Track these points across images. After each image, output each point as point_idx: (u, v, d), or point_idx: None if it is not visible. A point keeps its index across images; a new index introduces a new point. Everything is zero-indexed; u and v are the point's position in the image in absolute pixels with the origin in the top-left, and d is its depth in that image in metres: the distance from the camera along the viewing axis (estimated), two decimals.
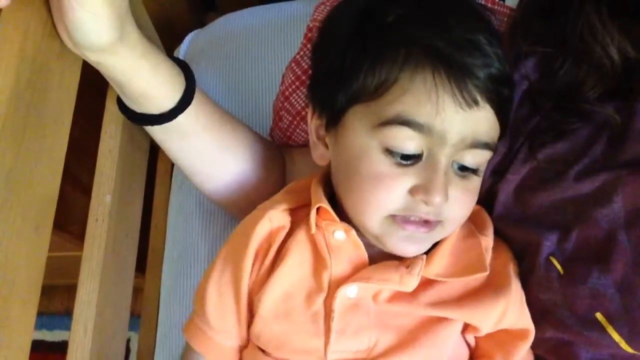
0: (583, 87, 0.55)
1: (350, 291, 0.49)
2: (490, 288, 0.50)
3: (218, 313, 0.53)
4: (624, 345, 0.46)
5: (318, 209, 0.51)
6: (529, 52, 0.59)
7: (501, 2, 0.63)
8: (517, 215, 0.55)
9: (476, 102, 0.44)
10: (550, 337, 0.51)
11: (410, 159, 0.45)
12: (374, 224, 0.47)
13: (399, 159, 0.45)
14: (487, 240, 0.53)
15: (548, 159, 0.54)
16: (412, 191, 0.45)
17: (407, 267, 0.48)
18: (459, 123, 0.44)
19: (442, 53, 0.43)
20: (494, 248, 0.54)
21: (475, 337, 0.53)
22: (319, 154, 0.53)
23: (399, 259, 0.50)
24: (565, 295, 0.49)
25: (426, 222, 0.47)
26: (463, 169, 0.47)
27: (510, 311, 0.50)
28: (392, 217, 0.47)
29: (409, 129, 0.44)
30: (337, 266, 0.50)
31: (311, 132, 0.53)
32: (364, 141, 0.46)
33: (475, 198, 0.50)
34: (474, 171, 0.48)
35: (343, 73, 0.46)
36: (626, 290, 0.47)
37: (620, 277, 0.48)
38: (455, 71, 0.43)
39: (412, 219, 0.46)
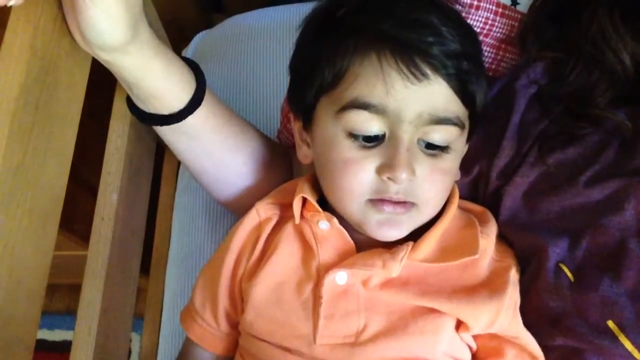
0: (594, 92, 0.55)
1: (339, 278, 0.50)
2: (486, 289, 0.50)
3: (201, 299, 0.57)
4: (637, 354, 0.46)
5: (304, 202, 0.54)
6: (539, 57, 0.59)
7: (512, 7, 0.63)
8: (524, 220, 0.55)
9: (425, 75, 0.45)
10: (560, 345, 0.51)
11: (372, 141, 0.47)
12: (353, 210, 0.49)
13: (362, 142, 0.47)
14: (488, 241, 0.53)
15: (558, 164, 0.54)
16: (378, 171, 0.47)
17: (392, 253, 0.49)
18: (412, 98, 0.46)
19: (387, 34, 0.46)
20: (500, 251, 0.54)
21: (476, 339, 0.53)
22: (303, 154, 0.56)
23: (387, 246, 0.50)
24: (576, 302, 0.49)
25: (401, 203, 0.48)
26: (430, 146, 0.48)
27: (503, 316, 0.50)
28: (370, 202, 0.48)
29: (365, 111, 0.46)
30: (325, 255, 0.52)
31: (295, 135, 0.57)
32: (330, 129, 0.49)
33: (450, 179, 0.51)
34: (444, 149, 0.48)
35: (308, 73, 0.51)
36: (638, 298, 0.47)
37: (632, 285, 0.47)
38: (401, 48, 0.45)
39: (386, 199, 0.48)
